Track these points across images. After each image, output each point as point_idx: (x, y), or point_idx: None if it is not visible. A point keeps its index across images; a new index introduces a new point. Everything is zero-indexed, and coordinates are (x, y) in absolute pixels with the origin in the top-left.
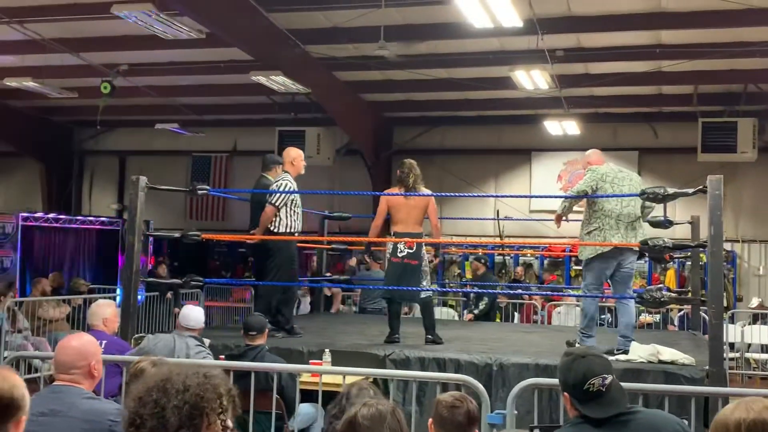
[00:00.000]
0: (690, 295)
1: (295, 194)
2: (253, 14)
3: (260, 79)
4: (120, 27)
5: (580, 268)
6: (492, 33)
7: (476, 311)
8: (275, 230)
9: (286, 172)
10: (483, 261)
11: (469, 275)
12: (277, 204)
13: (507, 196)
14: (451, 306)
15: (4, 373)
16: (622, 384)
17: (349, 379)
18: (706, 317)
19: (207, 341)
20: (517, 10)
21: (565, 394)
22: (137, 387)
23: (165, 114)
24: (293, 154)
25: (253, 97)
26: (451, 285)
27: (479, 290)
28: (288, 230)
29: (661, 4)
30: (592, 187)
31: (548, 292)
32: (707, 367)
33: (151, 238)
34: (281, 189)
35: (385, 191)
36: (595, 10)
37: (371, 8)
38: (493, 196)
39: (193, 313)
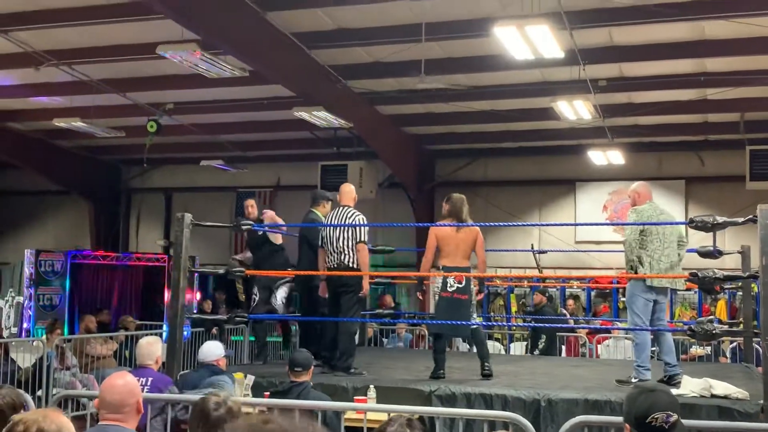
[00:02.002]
0: (742, 326)
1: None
2: (295, 51)
3: (303, 114)
4: (165, 67)
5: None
6: (533, 64)
7: (536, 352)
8: (353, 266)
9: (347, 206)
10: (547, 294)
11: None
12: (366, 240)
13: (549, 225)
14: (497, 339)
15: (51, 415)
16: None
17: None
18: (759, 349)
19: (251, 378)
20: (558, 41)
21: (627, 426)
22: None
23: (209, 151)
24: (355, 191)
25: (296, 132)
26: (497, 318)
27: (528, 324)
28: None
29: (705, 32)
30: (641, 232)
31: (609, 326)
32: (762, 402)
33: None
34: (363, 223)
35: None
36: (637, 39)
37: (412, 42)
38: (536, 225)
39: (205, 348)
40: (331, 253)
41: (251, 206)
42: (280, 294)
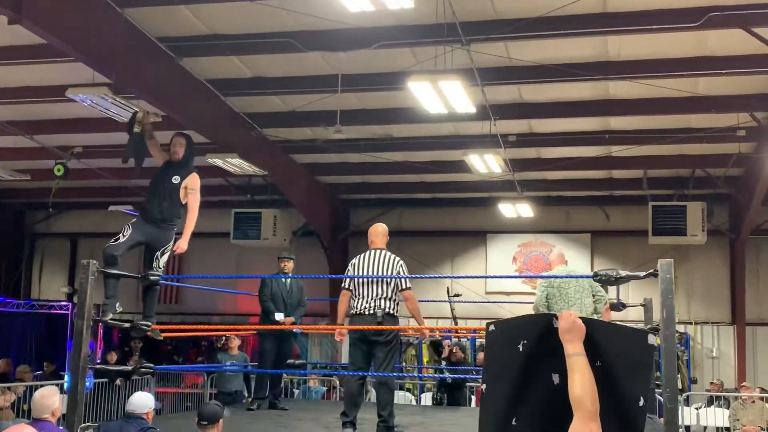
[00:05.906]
0: None
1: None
2: (210, 98)
3: (216, 161)
4: (74, 110)
5: None
6: (446, 118)
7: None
8: (396, 313)
9: (381, 249)
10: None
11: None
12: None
13: (461, 277)
14: (408, 389)
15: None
16: None
17: None
18: (662, 400)
19: (157, 431)
20: (470, 96)
21: None
22: None
23: (118, 196)
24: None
25: (209, 179)
26: (408, 369)
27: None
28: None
29: (610, 92)
30: (545, 296)
31: None
32: None
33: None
34: (404, 267)
35: None
36: (545, 96)
37: (328, 93)
38: (448, 278)
39: (136, 398)
40: (363, 299)
41: (179, 145)
42: (164, 260)
